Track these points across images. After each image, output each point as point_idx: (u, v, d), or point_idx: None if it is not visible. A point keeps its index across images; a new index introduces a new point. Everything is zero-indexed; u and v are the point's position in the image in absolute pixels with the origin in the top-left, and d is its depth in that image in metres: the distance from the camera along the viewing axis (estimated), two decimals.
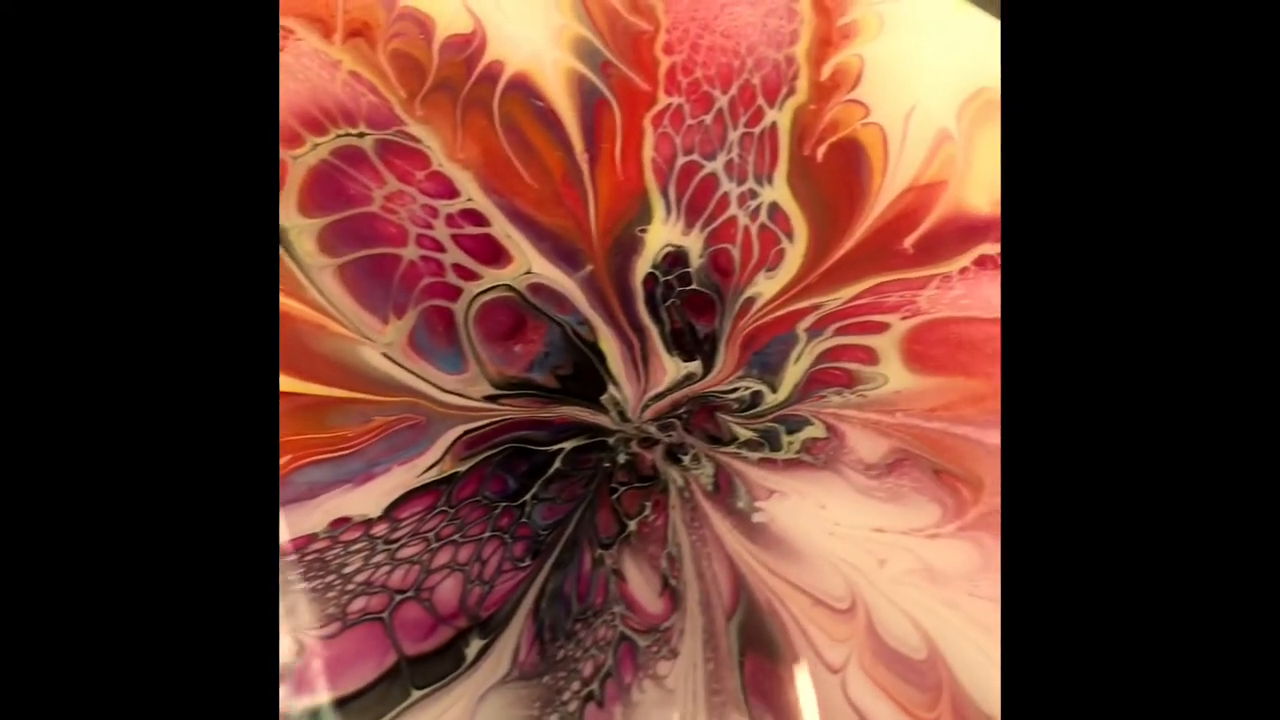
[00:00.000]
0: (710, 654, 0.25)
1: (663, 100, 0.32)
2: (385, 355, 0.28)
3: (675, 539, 0.26)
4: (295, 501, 0.26)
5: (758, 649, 0.25)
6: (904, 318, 0.29)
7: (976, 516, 0.26)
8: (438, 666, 0.25)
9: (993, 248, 0.30)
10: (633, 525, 0.26)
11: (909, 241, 0.30)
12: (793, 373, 0.28)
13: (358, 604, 0.25)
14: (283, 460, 0.26)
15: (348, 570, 0.26)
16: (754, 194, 0.31)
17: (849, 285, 0.30)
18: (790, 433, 0.27)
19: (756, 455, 0.27)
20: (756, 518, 0.26)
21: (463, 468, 0.27)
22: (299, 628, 0.25)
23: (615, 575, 0.26)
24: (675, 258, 0.30)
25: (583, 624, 0.25)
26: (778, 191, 0.31)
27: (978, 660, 0.24)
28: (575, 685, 0.24)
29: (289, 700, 0.24)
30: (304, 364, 0.27)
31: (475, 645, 0.25)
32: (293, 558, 0.25)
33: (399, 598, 0.26)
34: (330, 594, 0.25)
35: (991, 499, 0.27)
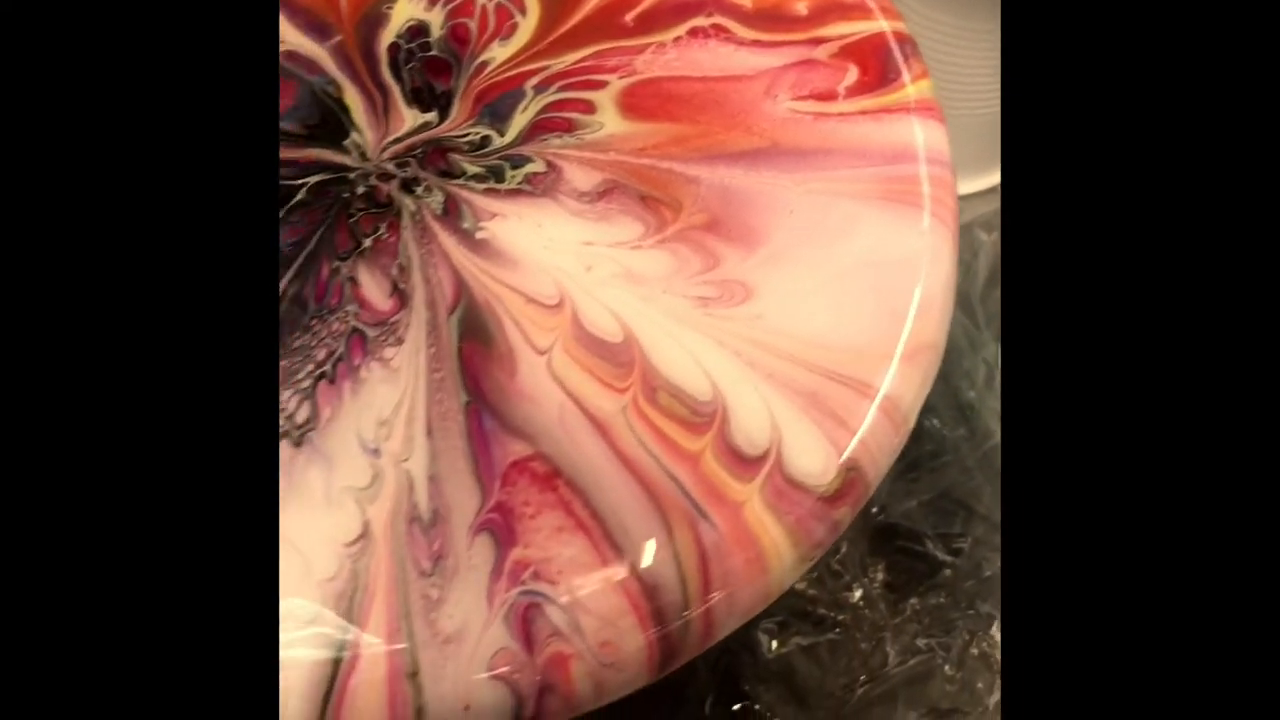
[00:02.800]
0: (433, 341, 0.28)
1: None
2: None
3: (406, 252, 0.29)
4: None
5: (474, 337, 0.28)
6: (621, 77, 0.33)
7: (675, 232, 0.30)
8: None
9: (705, 20, 0.34)
10: (368, 242, 0.30)
11: (630, 16, 0.34)
12: (519, 120, 0.32)
13: None
14: None
15: None
16: None
17: (574, 51, 0.33)
18: (514, 168, 0.31)
19: (482, 186, 0.31)
20: (480, 235, 0.30)
21: None
22: None
23: (350, 281, 0.29)
24: (417, 30, 0.33)
25: (319, 320, 0.28)
26: None
27: (666, 343, 0.28)
28: (310, 367, 0.28)
29: None
30: None
31: None
32: None
33: None
34: None
35: (689, 218, 0.30)
